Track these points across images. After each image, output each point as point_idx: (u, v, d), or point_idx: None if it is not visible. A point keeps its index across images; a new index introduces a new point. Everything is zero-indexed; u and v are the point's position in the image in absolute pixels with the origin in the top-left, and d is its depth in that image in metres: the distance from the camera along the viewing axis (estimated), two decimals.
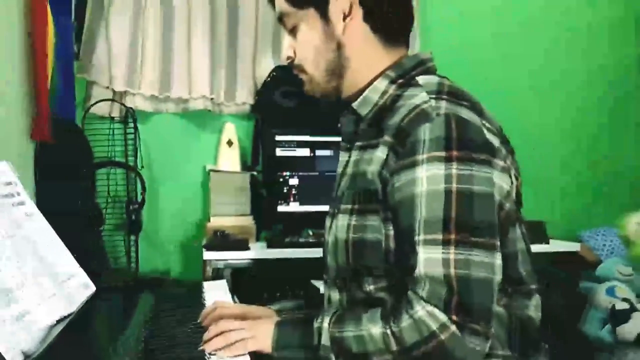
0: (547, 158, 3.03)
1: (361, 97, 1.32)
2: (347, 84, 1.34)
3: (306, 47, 1.34)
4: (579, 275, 2.69)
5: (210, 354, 1.22)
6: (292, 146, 2.69)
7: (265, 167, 2.73)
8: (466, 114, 1.18)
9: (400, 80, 1.29)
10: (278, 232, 2.62)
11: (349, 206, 1.28)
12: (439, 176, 1.13)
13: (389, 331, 1.14)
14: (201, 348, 1.24)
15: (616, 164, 3.19)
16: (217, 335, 1.25)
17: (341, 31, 1.30)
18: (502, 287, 1.21)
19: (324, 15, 1.30)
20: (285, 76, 2.75)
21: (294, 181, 2.67)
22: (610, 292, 2.51)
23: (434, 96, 1.20)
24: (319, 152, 2.71)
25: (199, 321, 1.40)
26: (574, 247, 2.71)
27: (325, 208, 2.58)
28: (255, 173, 2.77)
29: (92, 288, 1.39)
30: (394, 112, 1.23)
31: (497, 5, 3.05)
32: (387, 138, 1.22)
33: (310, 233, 2.55)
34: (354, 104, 1.33)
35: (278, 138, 2.69)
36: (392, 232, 1.21)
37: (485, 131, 1.19)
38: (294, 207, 2.67)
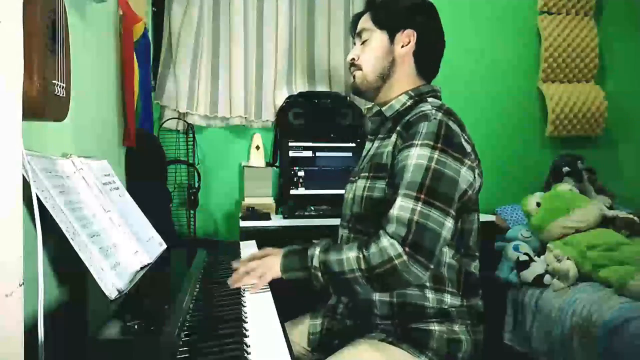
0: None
1: (388, 104, 1.35)
2: (385, 89, 1.37)
3: (372, 54, 1.35)
4: (494, 238, 2.70)
5: (244, 289, 1.23)
6: (300, 150, 2.69)
7: (282, 164, 2.72)
8: (452, 124, 1.21)
9: (416, 98, 1.33)
10: (290, 207, 2.63)
11: (367, 174, 1.31)
12: (424, 156, 1.16)
13: (361, 255, 1.15)
14: (231, 284, 1.24)
15: (521, 160, 3.19)
16: (244, 275, 1.26)
17: (398, 52, 1.34)
18: (458, 248, 1.24)
19: (392, 38, 1.34)
20: (295, 103, 2.75)
21: (301, 173, 2.67)
22: (516, 248, 2.52)
23: (435, 109, 1.23)
24: (318, 154, 2.70)
25: (233, 268, 1.41)
26: (491, 218, 2.72)
27: (322, 192, 2.65)
28: (275, 168, 2.77)
29: (164, 245, 1.41)
30: (407, 115, 1.27)
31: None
32: (398, 129, 1.26)
33: (312, 208, 2.56)
34: (383, 109, 1.36)
35: (290, 144, 2.69)
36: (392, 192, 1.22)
37: (462, 139, 1.21)
38: (301, 190, 2.67)
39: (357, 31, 1.40)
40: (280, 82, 2.82)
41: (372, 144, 1.38)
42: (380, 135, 1.36)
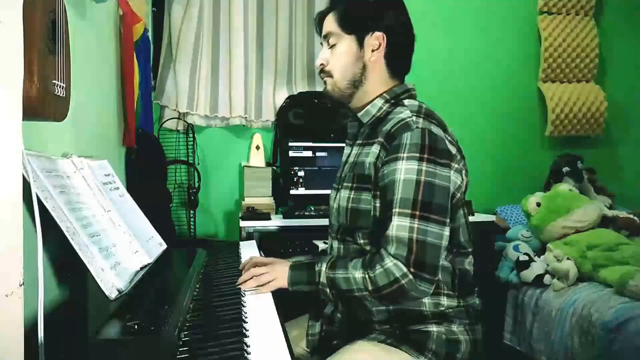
0: (475, 158, 3.02)
1: (364, 110, 1.31)
2: (358, 95, 1.31)
3: (341, 60, 1.29)
4: (495, 238, 2.70)
5: (244, 290, 1.24)
6: (300, 150, 2.68)
7: (282, 163, 2.72)
8: (435, 129, 1.18)
9: (392, 101, 1.28)
10: (290, 207, 2.62)
11: (350, 184, 1.28)
12: (412, 170, 1.14)
13: (367, 276, 1.15)
14: (238, 285, 1.25)
15: (521, 160, 3.19)
16: (250, 278, 1.27)
17: (368, 58, 1.28)
18: (450, 249, 1.23)
19: (361, 43, 1.28)
20: (295, 103, 2.75)
21: (301, 173, 2.67)
22: (516, 248, 2.53)
23: (414, 114, 1.20)
24: (318, 154, 2.69)
25: (239, 268, 1.39)
26: (491, 218, 2.71)
27: (322, 192, 2.64)
28: (275, 168, 2.77)
29: (164, 245, 1.41)
30: (386, 122, 1.24)
31: (444, 57, 3.05)
32: (380, 139, 1.22)
33: (312, 209, 2.55)
34: (359, 114, 1.32)
35: (290, 144, 2.68)
36: (378, 205, 1.21)
37: (447, 142, 1.19)
38: (301, 191, 2.67)
39: (323, 34, 1.32)
40: (280, 82, 2.82)
41: (352, 150, 1.35)
42: (358, 141, 1.33)
